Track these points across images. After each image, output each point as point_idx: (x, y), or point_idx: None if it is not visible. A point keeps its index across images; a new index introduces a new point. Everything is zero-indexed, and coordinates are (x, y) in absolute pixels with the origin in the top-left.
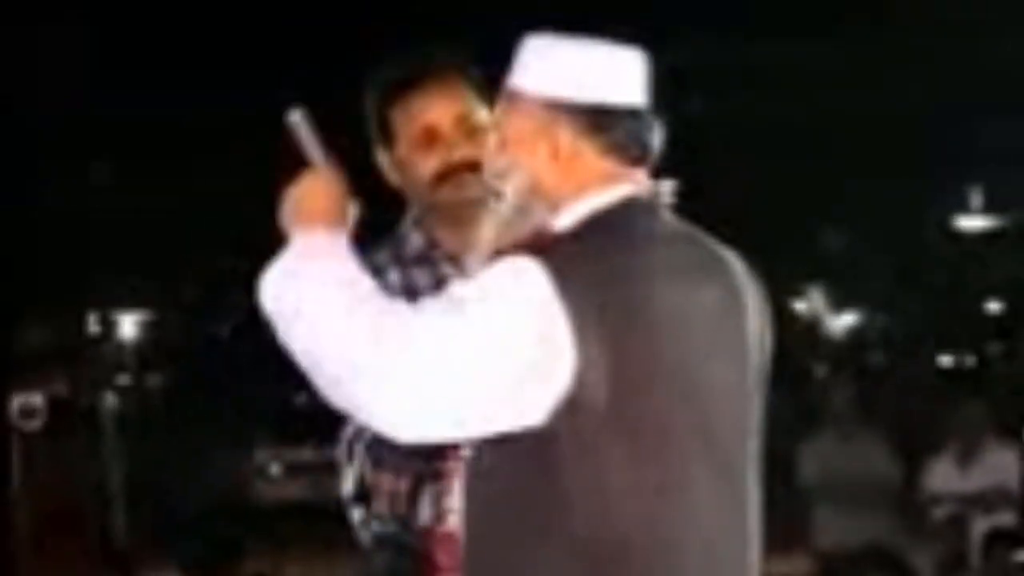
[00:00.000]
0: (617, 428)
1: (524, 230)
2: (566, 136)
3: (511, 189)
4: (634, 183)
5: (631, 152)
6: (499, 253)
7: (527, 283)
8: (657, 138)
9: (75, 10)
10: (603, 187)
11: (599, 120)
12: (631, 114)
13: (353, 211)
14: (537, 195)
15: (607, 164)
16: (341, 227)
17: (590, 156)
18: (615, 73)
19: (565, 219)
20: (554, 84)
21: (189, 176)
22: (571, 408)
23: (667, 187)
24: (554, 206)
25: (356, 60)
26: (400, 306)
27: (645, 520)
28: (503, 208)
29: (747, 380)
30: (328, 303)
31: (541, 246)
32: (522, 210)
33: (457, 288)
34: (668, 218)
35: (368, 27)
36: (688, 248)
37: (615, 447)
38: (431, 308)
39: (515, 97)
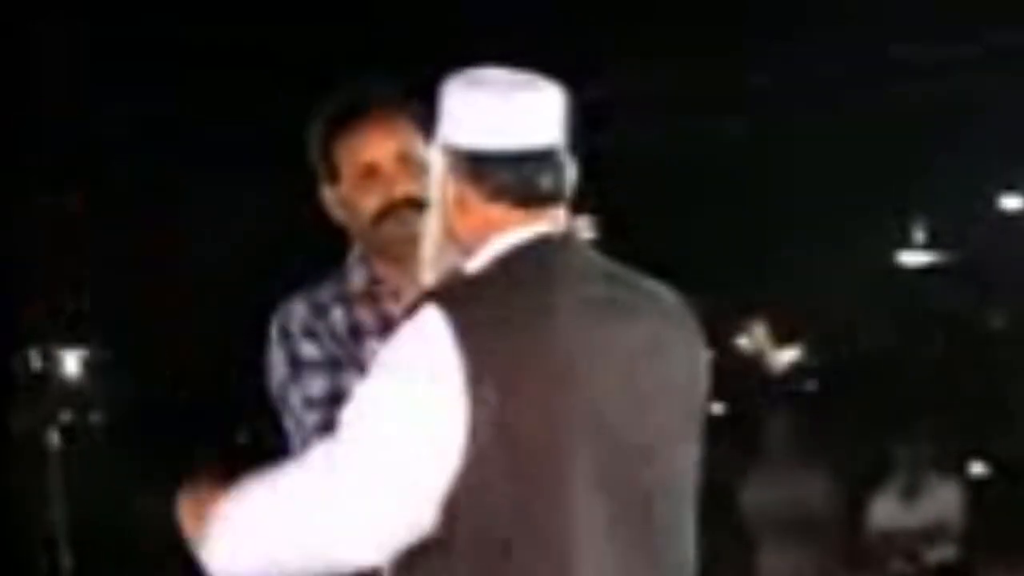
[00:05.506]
0: (508, 470)
1: (443, 270)
2: (454, 183)
3: (427, 233)
4: (546, 223)
5: (520, 195)
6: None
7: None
8: (561, 176)
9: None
10: (509, 229)
11: (478, 166)
12: (516, 158)
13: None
14: (448, 239)
15: (497, 209)
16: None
17: (476, 202)
18: (494, 117)
19: (475, 263)
20: (444, 131)
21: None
22: (467, 453)
23: (582, 224)
24: (464, 250)
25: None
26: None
27: (534, 562)
28: (428, 248)
29: (673, 419)
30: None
31: (452, 288)
32: (440, 252)
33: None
34: (588, 255)
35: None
36: (602, 286)
37: (506, 486)
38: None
39: (434, 142)
